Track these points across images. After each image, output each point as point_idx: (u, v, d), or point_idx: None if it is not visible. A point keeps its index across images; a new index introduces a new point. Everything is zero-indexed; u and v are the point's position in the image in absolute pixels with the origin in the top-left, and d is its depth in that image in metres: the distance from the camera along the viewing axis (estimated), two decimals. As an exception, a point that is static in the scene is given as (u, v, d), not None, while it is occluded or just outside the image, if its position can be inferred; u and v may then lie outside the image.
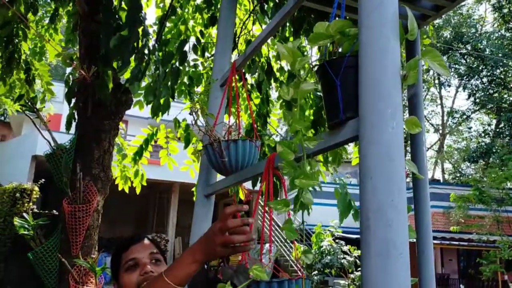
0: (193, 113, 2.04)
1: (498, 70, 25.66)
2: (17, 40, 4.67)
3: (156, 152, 5.61)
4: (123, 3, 3.51)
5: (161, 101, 3.99)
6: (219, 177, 2.22)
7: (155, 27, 4.70)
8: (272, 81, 4.38)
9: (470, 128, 30.26)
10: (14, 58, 4.66)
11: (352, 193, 1.28)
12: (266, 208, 1.50)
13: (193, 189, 4.32)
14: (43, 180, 9.54)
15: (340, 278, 12.65)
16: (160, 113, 4.12)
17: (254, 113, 4.54)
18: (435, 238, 14.35)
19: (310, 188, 1.19)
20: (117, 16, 3.32)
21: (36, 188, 9.07)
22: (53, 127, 6.02)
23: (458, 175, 29.97)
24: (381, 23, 1.07)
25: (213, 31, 4.96)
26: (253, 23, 4.55)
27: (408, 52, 2.33)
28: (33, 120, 4.65)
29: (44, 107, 5.22)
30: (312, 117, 4.12)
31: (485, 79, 26.52)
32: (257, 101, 4.56)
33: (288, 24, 4.09)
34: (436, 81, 29.84)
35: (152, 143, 5.29)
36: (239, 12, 4.83)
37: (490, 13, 27.48)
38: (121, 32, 2.97)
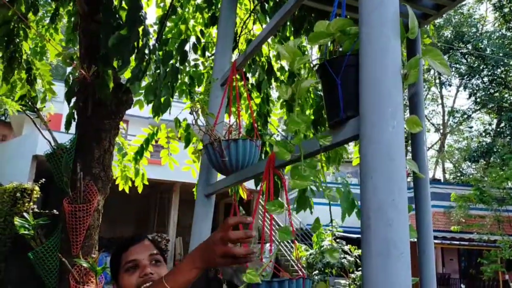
0: (194, 113, 2.04)
1: (499, 70, 25.64)
2: (18, 40, 4.67)
3: (157, 152, 5.61)
4: (123, 2, 3.50)
5: (162, 100, 3.99)
6: (220, 176, 2.22)
7: (156, 27, 4.70)
8: (272, 80, 4.38)
9: (471, 127, 30.26)
10: (15, 58, 4.66)
11: (353, 192, 1.28)
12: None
13: (194, 189, 4.32)
14: (43, 179, 9.54)
15: (340, 277, 12.64)
16: (161, 113, 4.12)
17: (254, 112, 4.53)
18: (435, 237, 14.35)
19: (313, 188, 1.18)
20: (117, 15, 3.32)
21: (37, 188, 9.07)
22: (53, 127, 6.02)
23: (459, 174, 29.95)
24: (382, 22, 1.07)
25: (214, 30, 4.96)
26: (254, 23, 4.54)
27: (409, 51, 2.33)
28: (34, 120, 4.65)
29: (44, 106, 5.22)
30: (312, 117, 4.11)
31: (486, 79, 26.50)
32: (257, 100, 4.55)
33: (288, 23, 4.09)
34: (437, 81, 29.84)
35: (153, 143, 5.28)
36: (239, 11, 4.82)
37: (491, 12, 27.48)
38: (120, 31, 2.96)
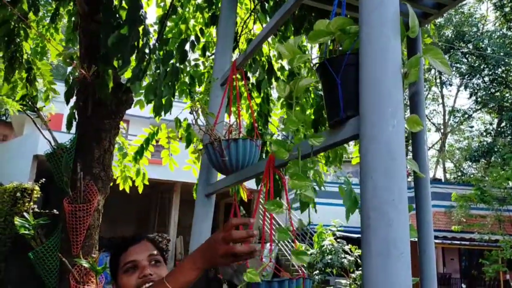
0: (194, 112, 2.04)
1: (499, 69, 25.62)
2: (18, 40, 4.67)
3: (158, 151, 5.61)
4: (123, 2, 3.50)
5: (163, 100, 3.99)
6: (220, 176, 2.21)
7: (156, 27, 4.69)
8: (273, 80, 4.37)
9: (471, 127, 30.24)
10: (16, 58, 4.66)
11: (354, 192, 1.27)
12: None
13: (194, 188, 4.32)
14: (43, 179, 9.55)
15: (341, 277, 12.64)
16: (163, 112, 4.11)
17: (255, 112, 4.53)
18: (436, 237, 14.34)
19: (315, 185, 1.18)
20: (117, 15, 3.32)
21: (37, 188, 9.07)
22: (54, 127, 6.02)
23: (460, 174, 29.94)
24: (382, 21, 1.07)
25: (214, 30, 4.95)
26: (254, 22, 4.54)
27: (410, 50, 2.32)
28: (34, 120, 4.65)
29: (45, 106, 5.22)
30: (312, 117, 4.11)
31: (486, 78, 26.48)
32: (258, 100, 4.55)
33: (289, 23, 4.08)
34: (438, 80, 29.82)
35: (154, 142, 5.28)
36: (239, 11, 4.82)
37: (491, 12, 27.45)
38: (120, 30, 2.96)
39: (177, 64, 4.13)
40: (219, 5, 4.29)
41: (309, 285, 1.43)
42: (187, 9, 4.92)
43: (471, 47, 26.23)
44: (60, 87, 5.81)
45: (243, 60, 2.22)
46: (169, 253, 14.07)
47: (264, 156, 3.93)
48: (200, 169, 2.36)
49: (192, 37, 4.77)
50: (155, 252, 1.58)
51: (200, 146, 2.53)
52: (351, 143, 4.88)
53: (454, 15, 27.26)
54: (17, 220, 3.94)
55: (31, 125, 13.54)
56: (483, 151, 24.41)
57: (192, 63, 4.87)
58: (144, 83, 4.18)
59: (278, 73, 4.61)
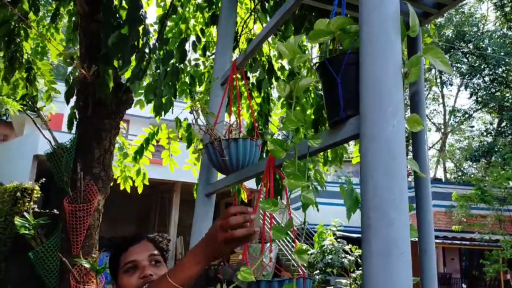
0: (194, 112, 2.04)
1: (500, 69, 25.59)
2: (19, 40, 4.67)
3: (158, 151, 5.61)
4: (123, 2, 3.50)
5: (163, 100, 3.99)
6: (220, 176, 2.21)
7: (156, 26, 4.69)
8: (273, 80, 4.37)
9: (472, 127, 30.21)
10: (16, 58, 4.66)
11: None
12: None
13: (194, 188, 4.31)
14: (44, 179, 9.54)
15: (341, 277, 12.63)
16: (163, 112, 4.11)
17: (255, 112, 4.53)
18: (437, 237, 14.32)
19: (317, 185, 1.17)
20: (117, 15, 3.32)
21: (37, 188, 9.07)
22: (55, 127, 6.02)
23: (460, 174, 29.92)
24: (382, 20, 1.06)
25: (214, 30, 4.95)
26: (254, 22, 4.54)
27: (410, 50, 2.32)
28: (34, 119, 4.65)
29: (45, 106, 5.22)
30: (312, 116, 4.11)
31: (487, 78, 26.46)
32: (258, 100, 4.55)
33: (289, 23, 4.08)
34: (438, 80, 29.80)
35: (154, 143, 5.28)
36: (240, 10, 4.82)
37: (492, 11, 27.43)
38: (120, 30, 2.96)
39: (177, 64, 4.13)
40: (219, 4, 4.28)
41: (309, 285, 1.43)
42: (187, 9, 4.92)
43: (471, 47, 26.21)
44: (60, 87, 5.82)
45: (243, 60, 2.21)
46: (169, 253, 14.06)
47: (264, 156, 3.93)
48: (200, 169, 2.36)
49: (193, 37, 4.77)
50: (156, 252, 1.57)
51: (200, 146, 2.53)
52: (351, 142, 4.88)
53: (455, 15, 27.24)
54: (17, 220, 3.94)
55: (32, 125, 13.53)
56: (484, 151, 24.39)
57: (193, 63, 4.87)
58: (145, 83, 4.18)
59: (278, 73, 4.61)
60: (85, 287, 3.67)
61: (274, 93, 5.01)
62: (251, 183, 3.72)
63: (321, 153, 4.14)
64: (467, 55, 27.00)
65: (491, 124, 28.43)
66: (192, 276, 1.20)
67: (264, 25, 4.23)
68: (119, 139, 5.36)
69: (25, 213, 4.07)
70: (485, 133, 28.06)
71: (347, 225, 11.65)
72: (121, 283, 1.51)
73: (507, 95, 25.98)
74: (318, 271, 12.25)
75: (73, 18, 5.06)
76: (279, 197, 3.74)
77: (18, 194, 8.59)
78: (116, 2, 3.58)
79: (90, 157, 4.00)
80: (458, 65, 26.88)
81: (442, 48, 24.94)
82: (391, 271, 0.90)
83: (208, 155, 2.02)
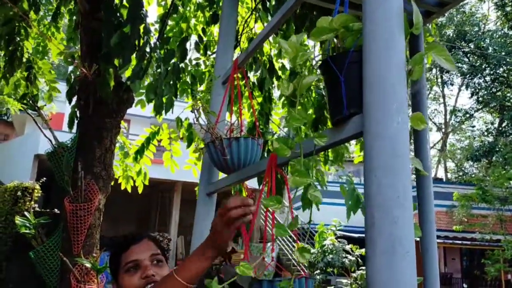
0: (195, 111, 2.03)
1: (501, 69, 25.56)
2: (18, 39, 4.66)
3: (159, 151, 5.61)
4: (124, 0, 3.49)
5: (164, 99, 3.98)
6: (222, 175, 2.20)
7: (157, 25, 4.68)
8: (274, 79, 4.37)
9: (473, 126, 30.19)
10: (16, 57, 4.65)
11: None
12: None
13: (196, 188, 4.31)
14: (44, 178, 9.54)
15: (342, 277, 12.62)
16: (164, 112, 4.10)
17: (256, 111, 4.52)
18: (438, 237, 14.21)
19: (318, 185, 1.16)
20: (118, 13, 3.31)
21: (38, 187, 9.07)
22: (55, 126, 6.01)
23: (461, 174, 29.90)
24: (386, 18, 1.06)
25: (215, 29, 4.94)
26: (255, 21, 4.53)
27: (411, 48, 2.31)
28: (35, 119, 4.65)
29: (46, 105, 5.22)
30: (313, 116, 4.10)
31: (488, 78, 26.43)
32: (259, 99, 4.54)
33: (291, 22, 4.07)
34: (439, 80, 29.78)
35: (155, 143, 5.27)
36: (241, 10, 4.81)
37: (493, 11, 27.37)
38: (122, 29, 2.95)
39: (178, 63, 4.12)
40: (220, 3, 4.28)
41: (311, 284, 1.42)
42: (188, 8, 4.91)
43: (472, 46, 26.19)
44: (61, 87, 5.81)
45: (244, 59, 2.21)
46: (170, 252, 14.07)
47: (265, 156, 3.92)
48: (202, 168, 2.35)
49: (194, 36, 4.77)
50: (157, 251, 1.56)
51: (202, 145, 2.52)
52: (352, 142, 4.87)
53: (456, 15, 27.21)
54: (18, 219, 3.93)
55: (32, 124, 13.52)
56: (485, 150, 24.36)
57: (193, 62, 4.86)
58: (146, 83, 4.17)
59: (279, 72, 4.60)
60: (86, 287, 3.67)
61: (275, 93, 5.01)
62: (252, 183, 3.71)
63: (322, 153, 4.13)
64: (468, 55, 26.98)
65: (492, 124, 28.41)
66: (198, 273, 1.20)
67: (265, 24, 4.23)
68: (120, 138, 5.36)
69: (25, 213, 4.06)
70: (486, 133, 28.03)
71: (347, 225, 11.64)
72: (122, 283, 1.49)
73: (508, 94, 25.95)
74: (318, 271, 12.24)
75: (74, 17, 5.05)
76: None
77: (19, 193, 8.59)
78: (117, 1, 3.57)
79: (91, 156, 3.99)
80: (459, 64, 26.84)
81: (443, 47, 24.83)
82: (395, 270, 0.89)
83: (209, 154, 2.02)
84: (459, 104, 32.96)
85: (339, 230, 13.24)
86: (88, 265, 3.52)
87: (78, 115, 4.24)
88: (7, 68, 4.61)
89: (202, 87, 5.00)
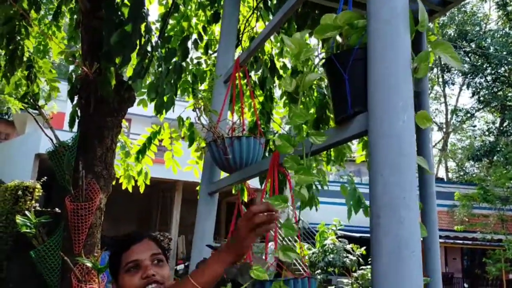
0: (197, 110, 2.02)
1: (502, 68, 25.52)
2: (19, 38, 4.65)
3: (160, 150, 5.59)
4: (125, -1, 3.49)
5: (165, 98, 3.96)
6: (223, 174, 2.19)
7: (158, 24, 4.67)
8: (275, 78, 4.35)
9: (474, 126, 30.14)
10: (16, 56, 4.64)
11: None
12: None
13: (198, 187, 4.30)
14: (45, 178, 9.54)
15: (343, 276, 12.61)
16: (164, 111, 4.09)
17: (257, 110, 4.51)
18: (439, 236, 14.25)
19: (318, 185, 1.15)
20: (119, 12, 3.30)
21: (39, 186, 9.06)
22: (56, 126, 6.00)
23: (462, 173, 29.85)
24: (392, 15, 1.04)
25: (216, 28, 4.93)
26: (257, 20, 4.52)
27: (414, 48, 2.29)
28: (36, 118, 4.64)
29: (46, 104, 5.21)
30: (315, 115, 4.08)
31: (489, 77, 26.38)
32: (261, 98, 4.53)
33: (292, 21, 4.06)
34: (440, 79, 29.74)
35: (156, 142, 5.26)
36: (242, 8, 4.80)
37: (494, 11, 27.32)
38: (123, 27, 2.94)
39: (180, 62, 4.10)
40: (221, 2, 4.26)
41: (314, 284, 1.41)
42: (189, 7, 4.90)
43: (473, 46, 26.14)
44: (62, 86, 5.80)
45: (246, 58, 2.20)
46: (170, 252, 14.07)
47: (267, 155, 3.91)
48: (203, 167, 2.34)
49: (195, 36, 4.76)
50: (158, 251, 1.54)
51: (203, 144, 2.51)
52: (354, 141, 4.86)
53: (457, 14, 27.17)
54: (19, 219, 3.92)
55: (33, 123, 13.51)
56: (486, 150, 24.32)
57: (195, 61, 4.85)
58: (147, 82, 4.16)
59: (281, 71, 4.59)
60: (86, 286, 3.66)
61: (276, 92, 4.99)
62: (254, 182, 3.70)
63: (324, 152, 4.12)
64: (469, 54, 26.94)
65: (493, 123, 28.36)
66: (215, 277, 1.20)
67: (267, 23, 4.21)
68: (121, 137, 5.35)
69: (26, 212, 4.05)
70: (487, 133, 27.99)
71: (348, 225, 11.63)
72: (122, 283, 1.48)
73: (509, 94, 25.90)
74: (319, 271, 12.22)
75: (75, 16, 5.04)
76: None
77: (20, 192, 8.59)
78: (118, 0, 3.56)
79: (92, 155, 3.98)
80: (460, 64, 26.73)
81: (444, 47, 24.78)
82: (402, 270, 0.88)
83: (211, 153, 2.01)
84: (460, 104, 32.96)
85: (339, 229, 13.22)
86: (89, 264, 3.51)
87: (79, 114, 4.23)
88: (7, 67, 4.59)
89: (203, 86, 4.98)
